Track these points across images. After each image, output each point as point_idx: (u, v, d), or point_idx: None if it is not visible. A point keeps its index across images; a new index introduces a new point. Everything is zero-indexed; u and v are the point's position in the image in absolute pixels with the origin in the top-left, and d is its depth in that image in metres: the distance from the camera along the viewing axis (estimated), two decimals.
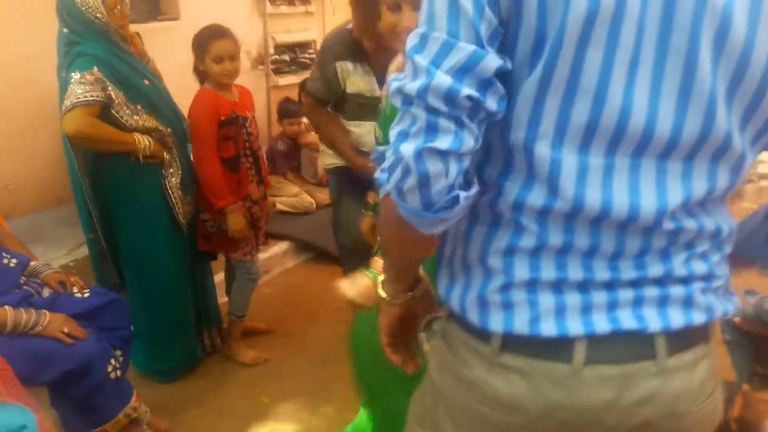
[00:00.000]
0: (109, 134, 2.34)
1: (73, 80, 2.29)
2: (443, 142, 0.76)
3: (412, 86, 0.76)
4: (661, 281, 0.85)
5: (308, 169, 4.68)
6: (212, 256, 2.92)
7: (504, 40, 0.79)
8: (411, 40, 0.79)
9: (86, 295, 2.26)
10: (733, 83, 0.79)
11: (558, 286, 0.84)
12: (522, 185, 0.83)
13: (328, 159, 2.83)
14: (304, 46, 5.46)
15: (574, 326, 0.83)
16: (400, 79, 0.79)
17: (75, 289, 2.25)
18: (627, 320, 0.84)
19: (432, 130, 0.76)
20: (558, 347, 0.84)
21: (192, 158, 2.65)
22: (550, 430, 0.88)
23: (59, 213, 3.32)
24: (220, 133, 2.60)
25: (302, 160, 4.72)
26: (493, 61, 0.76)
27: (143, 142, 2.40)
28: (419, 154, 0.76)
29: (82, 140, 2.37)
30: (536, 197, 0.82)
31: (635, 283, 0.84)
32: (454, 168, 0.78)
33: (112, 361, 2.16)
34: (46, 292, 2.22)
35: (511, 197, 0.84)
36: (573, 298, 0.84)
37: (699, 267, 0.86)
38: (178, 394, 2.68)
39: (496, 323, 0.86)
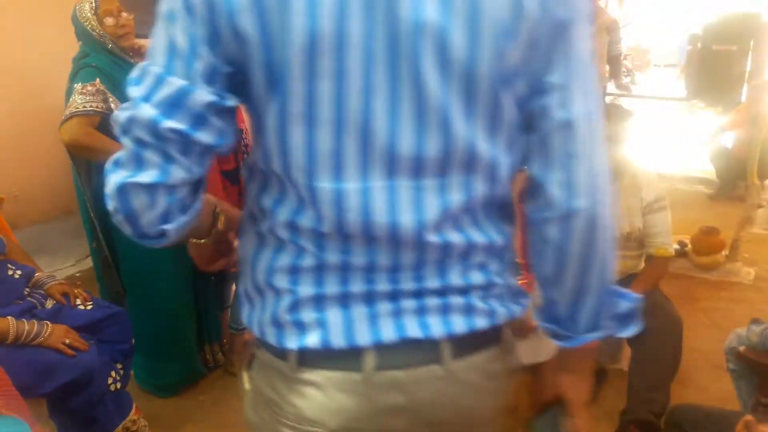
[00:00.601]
0: (106, 145, 2.34)
1: (75, 90, 2.34)
2: (147, 176, 0.79)
3: (122, 116, 0.80)
4: (440, 292, 0.90)
5: None
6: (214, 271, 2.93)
7: (237, 77, 0.82)
8: (133, 73, 0.82)
9: (89, 307, 2.27)
10: (467, 98, 0.82)
11: (344, 300, 0.88)
12: (293, 210, 0.88)
13: None
14: None
15: (362, 336, 0.87)
16: (123, 108, 0.82)
17: (78, 301, 2.27)
18: (412, 328, 0.88)
19: (138, 161, 0.79)
20: (349, 357, 0.88)
21: None
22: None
23: (67, 223, 3.35)
24: None
25: None
26: (202, 97, 0.79)
27: None
28: (122, 189, 0.80)
29: (78, 149, 2.40)
30: (307, 221, 0.87)
31: (417, 294, 0.89)
32: (163, 200, 0.81)
33: (113, 374, 2.17)
34: (49, 304, 2.24)
35: (287, 221, 0.88)
36: (359, 311, 0.88)
37: (476, 277, 0.92)
38: (178, 408, 2.68)
39: (291, 341, 0.89)
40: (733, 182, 5.52)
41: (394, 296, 0.89)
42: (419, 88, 0.81)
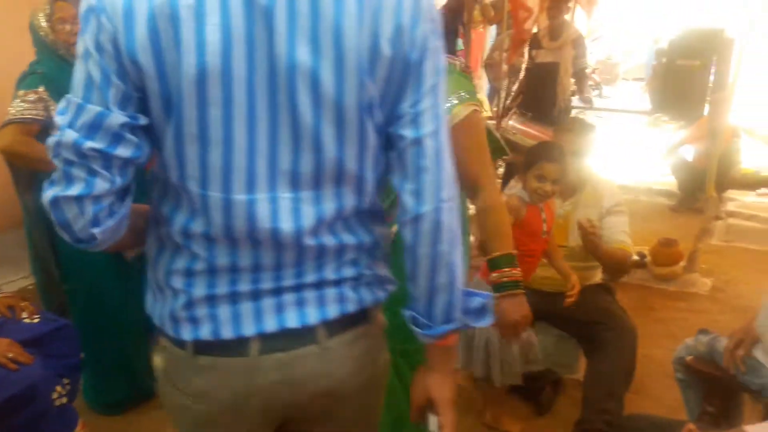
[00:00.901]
0: (41, 154, 2.28)
1: (16, 97, 2.31)
2: (74, 190, 0.94)
3: (52, 142, 0.94)
4: (317, 285, 1.07)
5: None
6: None
7: (143, 101, 0.96)
8: (60, 104, 0.96)
9: (36, 320, 2.22)
10: (337, 125, 0.99)
11: (233, 298, 1.04)
12: (187, 217, 1.02)
13: None
14: None
15: (248, 328, 1.04)
16: (52, 135, 0.95)
17: (24, 315, 2.21)
18: (291, 319, 1.06)
19: (67, 178, 0.94)
20: (236, 345, 1.05)
21: None
22: (245, 416, 1.10)
23: (18, 235, 3.28)
24: None
25: None
26: (116, 119, 0.93)
27: None
28: (55, 202, 0.95)
29: (13, 157, 2.37)
30: (199, 227, 1.01)
31: (296, 288, 1.06)
32: (90, 209, 0.96)
33: (58, 389, 2.11)
34: None
35: (181, 228, 1.02)
36: (246, 306, 1.04)
37: (348, 271, 1.10)
38: (128, 425, 2.63)
39: (186, 333, 1.05)
40: (694, 194, 5.62)
41: (277, 292, 1.06)
42: (295, 116, 0.97)
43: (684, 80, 9.51)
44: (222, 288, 1.04)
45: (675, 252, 4.28)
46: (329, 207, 1.04)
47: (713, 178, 4.19)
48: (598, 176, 2.86)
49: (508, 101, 6.03)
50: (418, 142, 1.03)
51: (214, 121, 0.95)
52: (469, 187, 1.74)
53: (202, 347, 1.05)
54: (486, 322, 1.16)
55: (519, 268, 1.73)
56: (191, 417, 1.12)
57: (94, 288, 2.56)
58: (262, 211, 1.00)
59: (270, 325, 1.05)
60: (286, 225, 1.01)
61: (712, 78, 9.13)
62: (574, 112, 6.41)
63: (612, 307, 2.85)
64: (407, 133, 1.03)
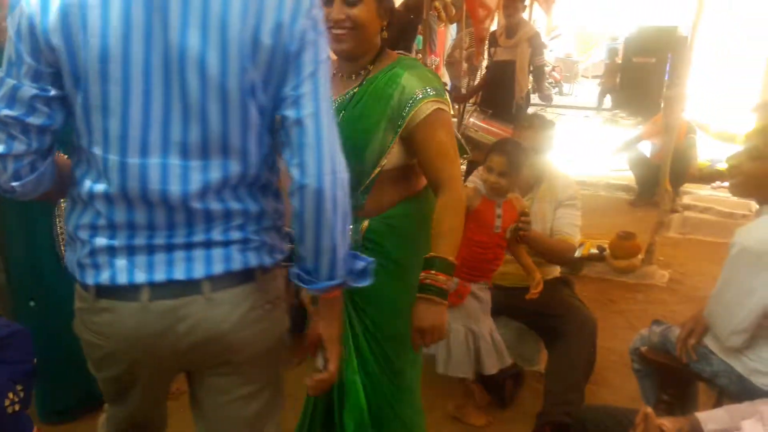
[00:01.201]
0: None
1: None
2: None
3: None
4: (206, 244, 1.22)
5: None
6: None
7: (57, 75, 1.15)
8: None
9: None
10: (221, 103, 1.15)
11: (130, 250, 1.20)
12: (93, 179, 1.20)
13: None
14: None
15: (140, 277, 1.20)
16: None
17: None
18: (179, 272, 1.21)
19: None
20: (130, 291, 1.21)
21: None
22: (140, 356, 1.27)
23: None
24: None
25: None
26: (28, 92, 1.14)
27: None
28: None
29: None
30: (101, 187, 1.18)
31: (186, 246, 1.22)
32: (11, 166, 1.18)
33: (11, 395, 2.05)
34: None
35: (88, 188, 1.20)
36: (140, 258, 1.20)
37: (235, 234, 1.24)
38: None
39: (90, 279, 1.22)
40: (652, 189, 5.73)
41: (169, 248, 1.21)
42: (185, 94, 1.14)
43: (640, 77, 9.73)
44: (120, 241, 1.20)
45: (633, 245, 4.37)
46: (215, 175, 1.20)
47: (667, 173, 4.29)
48: (556, 171, 2.90)
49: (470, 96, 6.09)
50: (299, 122, 1.19)
51: (114, 96, 1.12)
52: (430, 184, 1.73)
53: (102, 291, 1.23)
54: (365, 283, 1.34)
55: (454, 282, 1.63)
56: (97, 352, 1.31)
57: (38, 294, 2.50)
58: (153, 174, 1.16)
59: (159, 275, 1.20)
60: (174, 188, 1.17)
61: (667, 75, 9.39)
62: (533, 110, 6.49)
63: (571, 300, 2.90)
64: (290, 113, 1.19)
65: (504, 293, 2.80)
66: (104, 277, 1.21)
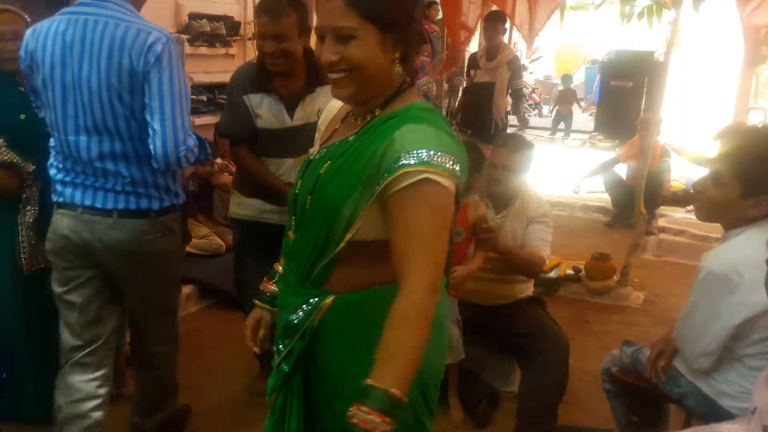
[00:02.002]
0: None
1: None
2: None
3: None
4: (110, 190, 2.05)
5: (220, 211, 4.62)
6: None
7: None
8: None
9: None
10: (101, 106, 1.99)
11: (72, 185, 2.08)
12: (56, 148, 2.10)
13: (235, 207, 2.81)
14: (222, 87, 5.45)
15: (76, 199, 2.07)
16: None
17: None
18: (97, 202, 2.06)
19: None
20: (71, 207, 2.09)
21: None
22: (78, 251, 2.11)
23: None
24: None
25: (214, 201, 4.66)
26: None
27: None
28: None
29: None
30: (58, 151, 2.09)
31: (102, 189, 2.06)
32: None
33: None
34: None
35: (54, 153, 2.12)
36: (78, 190, 2.08)
37: (128, 187, 2.06)
38: None
39: (54, 197, 2.13)
40: (628, 211, 5.79)
41: (94, 188, 2.06)
42: (83, 100, 1.99)
43: (618, 101, 9.88)
44: (67, 179, 2.09)
45: (608, 266, 4.42)
46: (105, 148, 2.02)
47: (641, 196, 4.35)
48: (529, 190, 2.94)
49: (449, 117, 6.15)
50: (152, 127, 1.98)
51: (51, 100, 2.03)
52: (396, 273, 1.27)
53: (59, 205, 2.13)
54: None
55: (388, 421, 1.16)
56: (52, 245, 2.15)
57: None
58: (73, 145, 2.03)
59: (87, 201, 2.07)
60: (84, 154, 2.03)
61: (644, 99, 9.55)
62: (512, 130, 6.56)
63: (544, 320, 2.92)
64: (148, 118, 1.99)
65: (478, 312, 2.82)
66: (60, 198, 2.11)
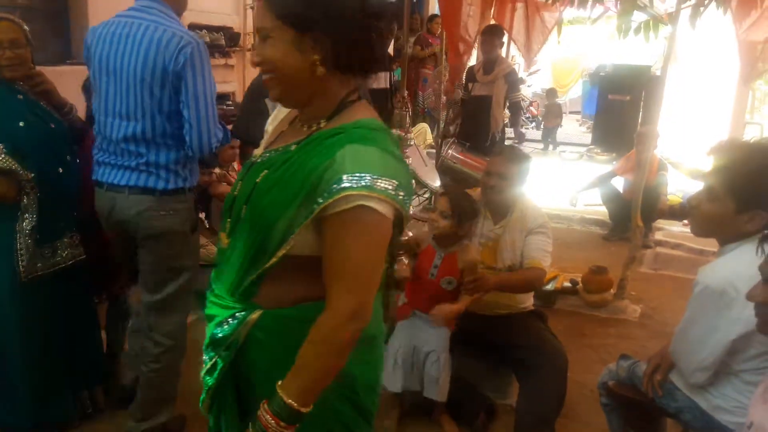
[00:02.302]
0: None
1: None
2: None
3: None
4: (133, 168, 2.36)
5: (217, 220, 4.61)
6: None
7: None
8: None
9: None
10: (136, 96, 2.31)
11: (104, 165, 2.43)
12: (97, 129, 2.45)
13: None
14: (222, 97, 5.48)
15: (104, 178, 2.42)
16: None
17: None
18: (117, 179, 2.39)
19: None
20: (101, 185, 2.44)
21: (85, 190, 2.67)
22: (113, 222, 2.47)
23: None
24: None
25: (212, 211, 4.66)
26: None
27: None
28: None
29: None
30: (99, 133, 2.43)
31: (122, 167, 2.39)
32: None
33: None
34: None
35: (96, 134, 2.47)
36: (107, 169, 2.42)
37: (142, 167, 2.35)
38: None
39: (95, 176, 2.48)
40: (626, 224, 5.80)
41: (117, 166, 2.39)
42: (123, 88, 2.31)
43: (615, 114, 9.92)
44: (100, 159, 2.44)
45: (605, 279, 4.42)
46: (130, 131, 2.33)
47: (638, 209, 4.36)
48: (527, 201, 2.96)
49: (449, 129, 6.18)
50: (187, 118, 2.31)
51: (97, 86, 2.37)
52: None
53: (96, 183, 2.46)
54: None
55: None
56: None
57: None
58: (110, 126, 2.37)
59: (110, 179, 2.40)
60: (114, 134, 2.36)
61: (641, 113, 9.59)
62: (509, 143, 6.58)
63: (543, 333, 2.92)
64: (184, 112, 2.30)
65: (477, 321, 2.82)
66: (96, 176, 2.45)
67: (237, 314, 1.35)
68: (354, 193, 1.20)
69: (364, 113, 1.35)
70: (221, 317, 1.38)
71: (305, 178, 1.26)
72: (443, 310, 2.59)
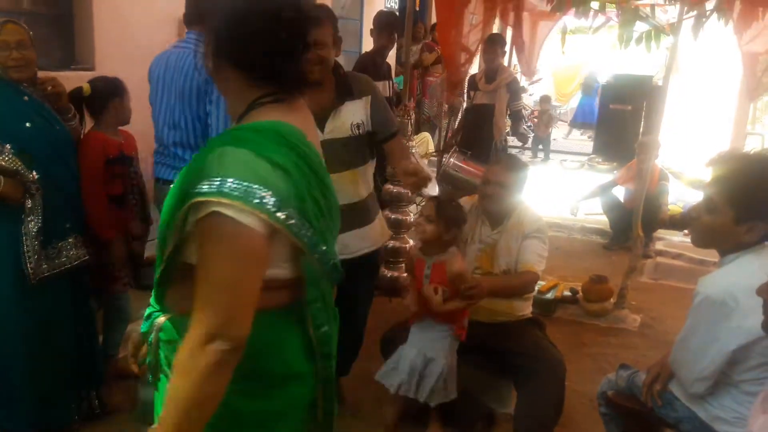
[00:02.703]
0: None
1: None
2: None
3: None
4: (174, 167, 2.77)
5: None
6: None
7: None
8: None
9: None
10: (182, 109, 2.73)
11: (162, 162, 2.85)
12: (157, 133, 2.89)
13: None
14: None
15: (161, 174, 2.84)
16: None
17: None
18: (168, 176, 2.78)
19: None
20: (158, 179, 2.85)
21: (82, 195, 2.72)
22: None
23: None
24: (109, 171, 2.84)
25: None
26: None
27: None
28: None
29: None
30: (157, 136, 2.87)
31: (171, 166, 2.78)
32: None
33: None
34: None
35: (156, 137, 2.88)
36: (160, 167, 2.85)
37: (180, 166, 2.75)
38: None
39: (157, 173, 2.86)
40: (626, 233, 5.81)
41: (169, 165, 2.78)
42: (172, 103, 2.73)
43: (617, 124, 9.94)
44: (158, 160, 2.82)
45: (605, 288, 4.42)
46: (176, 138, 2.72)
47: (639, 218, 4.37)
48: (525, 207, 2.96)
49: (450, 137, 6.19)
50: (209, 124, 2.65)
51: (154, 102, 2.80)
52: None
53: (156, 179, 2.82)
54: None
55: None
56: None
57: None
58: (165, 133, 2.76)
59: (166, 176, 2.76)
60: (166, 140, 2.75)
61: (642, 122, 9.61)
62: (511, 151, 6.59)
63: (541, 341, 2.92)
64: (210, 120, 2.65)
65: (476, 328, 2.82)
66: (156, 173, 2.82)
67: (153, 314, 1.37)
68: (208, 199, 1.13)
69: (270, 115, 1.28)
70: (145, 317, 1.40)
71: (182, 182, 1.23)
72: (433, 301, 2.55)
